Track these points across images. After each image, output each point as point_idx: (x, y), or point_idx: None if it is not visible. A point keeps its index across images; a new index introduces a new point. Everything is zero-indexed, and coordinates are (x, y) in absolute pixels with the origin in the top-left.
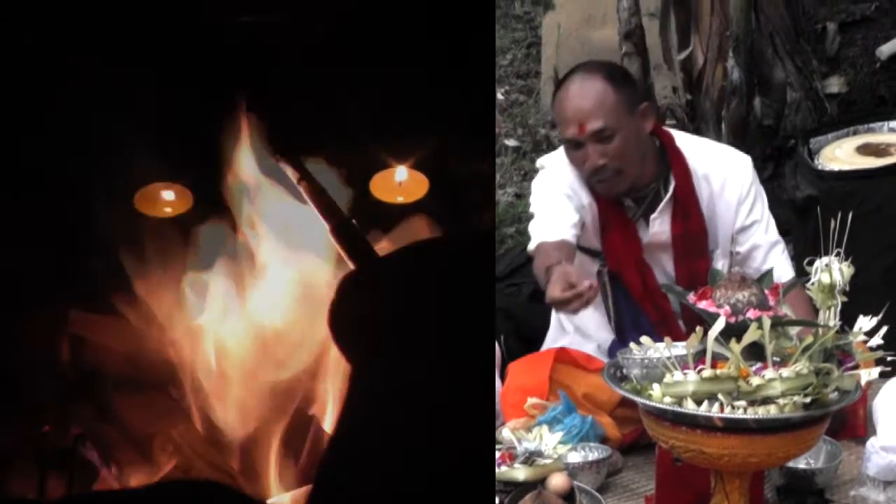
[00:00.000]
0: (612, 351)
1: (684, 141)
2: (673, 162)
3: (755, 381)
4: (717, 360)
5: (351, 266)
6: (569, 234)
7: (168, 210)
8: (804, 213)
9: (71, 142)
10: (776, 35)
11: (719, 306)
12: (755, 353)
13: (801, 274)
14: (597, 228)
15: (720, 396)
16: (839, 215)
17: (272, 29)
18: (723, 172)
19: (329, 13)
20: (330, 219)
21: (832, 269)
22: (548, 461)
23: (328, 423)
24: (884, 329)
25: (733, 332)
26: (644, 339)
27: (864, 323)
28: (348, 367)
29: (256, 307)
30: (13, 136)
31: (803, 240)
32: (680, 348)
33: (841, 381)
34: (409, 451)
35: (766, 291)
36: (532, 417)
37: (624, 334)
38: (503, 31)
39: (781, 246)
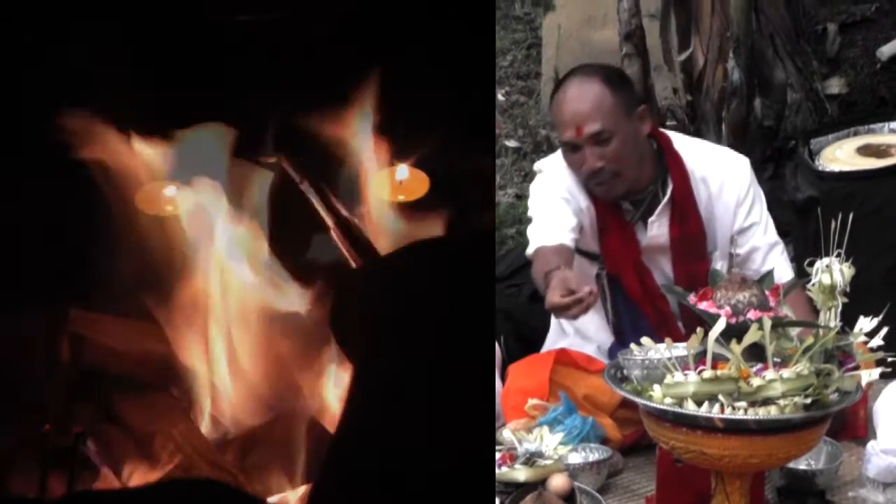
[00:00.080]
0: (612, 353)
1: (682, 143)
2: (670, 164)
3: (756, 381)
4: (718, 360)
5: (352, 265)
6: (567, 238)
7: (169, 208)
8: (805, 214)
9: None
10: (777, 36)
11: (720, 307)
12: (756, 353)
13: (802, 275)
14: (595, 231)
15: (721, 397)
16: (840, 216)
17: (272, 28)
18: (721, 174)
19: (330, 13)
20: (331, 217)
21: (833, 270)
22: (548, 462)
23: (328, 422)
24: (884, 330)
25: (734, 332)
26: (645, 340)
27: (865, 324)
28: (349, 366)
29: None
30: (13, 134)
31: (804, 241)
32: (680, 349)
33: (841, 382)
34: (409, 451)
35: (767, 292)
36: (533, 418)
37: (623, 337)
38: (503, 33)
39: (781, 247)
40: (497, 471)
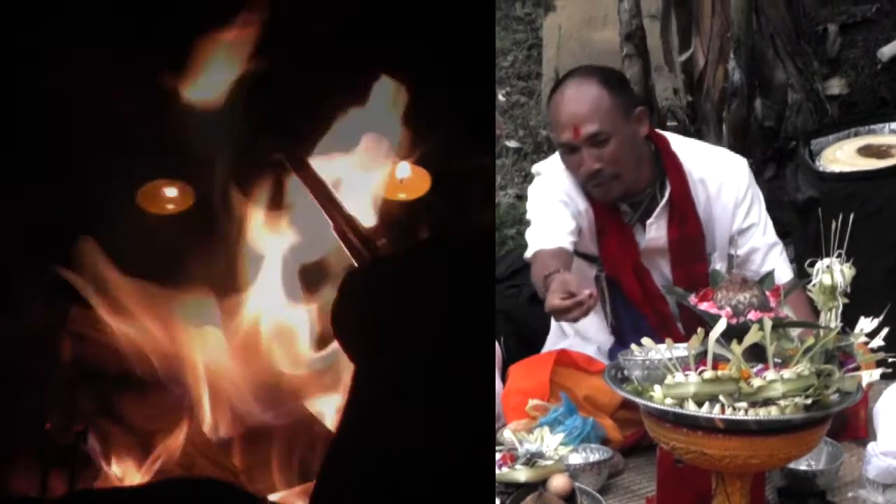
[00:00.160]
0: (612, 354)
1: (680, 145)
2: (668, 166)
3: (756, 382)
4: (719, 361)
5: (354, 264)
6: (566, 241)
7: (170, 207)
8: (805, 215)
9: (72, 140)
10: (777, 37)
11: (720, 308)
12: (756, 354)
13: (803, 275)
14: (593, 234)
15: (721, 398)
16: (840, 217)
17: (273, 26)
18: (719, 176)
19: (330, 13)
20: (333, 216)
21: (833, 271)
22: (549, 462)
23: (328, 420)
24: (885, 331)
25: (734, 333)
26: (645, 340)
27: (866, 324)
28: (350, 365)
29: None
30: (14, 131)
31: (804, 241)
32: (681, 350)
33: (842, 383)
34: (409, 451)
35: (768, 293)
36: (533, 419)
37: (623, 338)
38: (504, 33)
39: (780, 247)
40: (497, 471)
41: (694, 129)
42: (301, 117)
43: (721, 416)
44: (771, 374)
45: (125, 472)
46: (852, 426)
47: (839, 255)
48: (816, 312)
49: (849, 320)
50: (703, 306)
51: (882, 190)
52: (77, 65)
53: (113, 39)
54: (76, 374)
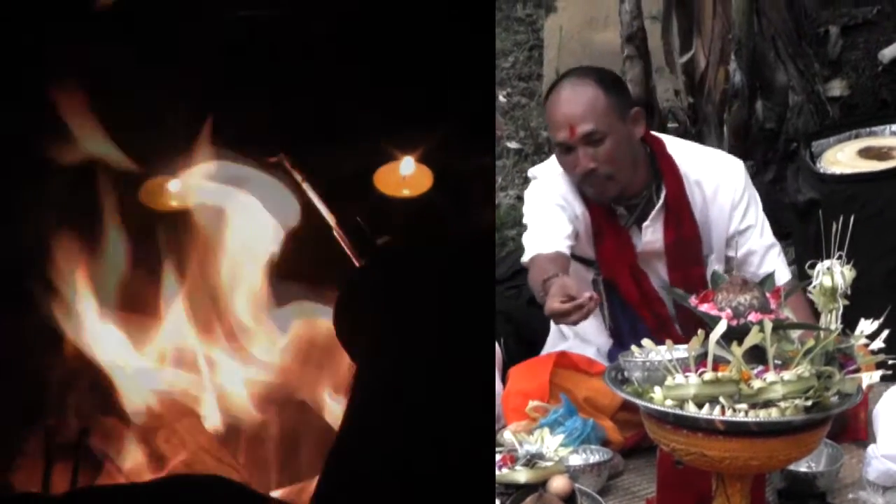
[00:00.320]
0: (611, 355)
1: (675, 147)
2: (664, 169)
3: (756, 384)
4: (719, 363)
5: (356, 263)
6: (563, 245)
7: (173, 203)
8: (806, 217)
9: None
10: (778, 38)
11: (721, 309)
12: (757, 356)
13: (803, 277)
14: (590, 237)
15: (721, 399)
16: (841, 219)
17: (273, 25)
18: (715, 178)
19: (330, 12)
20: (334, 216)
21: (834, 273)
22: (549, 464)
23: (329, 417)
24: (885, 332)
25: (735, 335)
26: (645, 341)
27: (866, 326)
28: (352, 365)
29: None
30: (14, 129)
31: (805, 243)
32: (681, 351)
33: (842, 385)
34: (409, 451)
35: (768, 295)
36: (533, 420)
37: (622, 340)
38: (505, 34)
39: (777, 249)
40: (497, 472)
41: (695, 130)
42: (301, 116)
43: (721, 418)
44: (771, 376)
45: (128, 469)
46: (852, 428)
47: (839, 257)
48: (816, 314)
49: (849, 322)
50: (704, 308)
51: (883, 192)
52: None
53: None
54: (79, 370)
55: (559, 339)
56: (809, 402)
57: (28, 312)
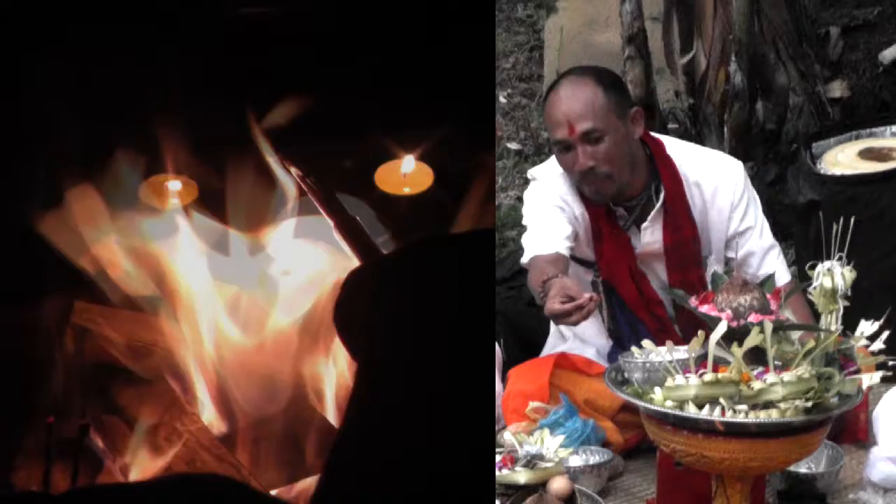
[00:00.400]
0: (611, 357)
1: (674, 148)
2: (662, 170)
3: (757, 385)
4: (719, 364)
5: (355, 263)
6: (562, 247)
7: (175, 201)
8: (806, 218)
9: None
10: (779, 39)
11: (721, 310)
12: (757, 357)
13: (804, 278)
14: (589, 239)
15: (722, 400)
16: (841, 220)
17: (274, 22)
18: (714, 179)
19: (330, 11)
20: (334, 215)
21: (834, 274)
22: (549, 465)
23: (330, 416)
24: (885, 334)
25: (735, 336)
26: (646, 343)
27: (866, 327)
28: (353, 364)
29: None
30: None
31: (805, 244)
32: (681, 352)
33: (842, 386)
34: (409, 452)
35: (768, 296)
36: (533, 421)
37: (621, 342)
38: (506, 35)
39: (777, 250)
40: (497, 473)
41: (695, 131)
42: (301, 116)
43: (721, 419)
44: (771, 377)
45: (128, 467)
46: (852, 429)
47: (840, 258)
48: (816, 315)
49: (849, 323)
50: (704, 309)
51: (883, 193)
52: None
53: None
54: (79, 367)
55: (559, 341)
56: (809, 404)
57: (29, 307)
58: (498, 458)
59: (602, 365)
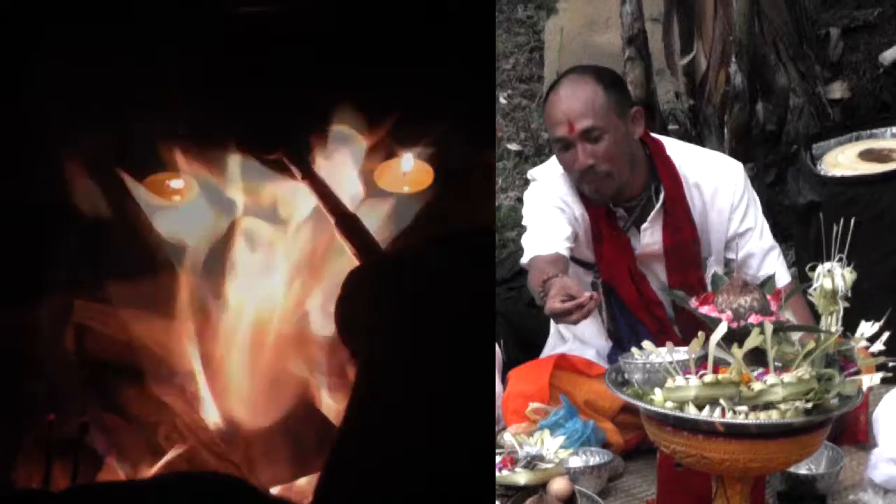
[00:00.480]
0: (610, 358)
1: (674, 149)
2: (662, 171)
3: (757, 386)
4: (719, 365)
5: (356, 262)
6: (562, 247)
7: (176, 199)
8: (806, 219)
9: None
10: (779, 40)
11: (721, 311)
12: (757, 358)
13: (804, 279)
14: (589, 240)
15: (722, 401)
16: (841, 221)
17: (274, 22)
18: (714, 180)
19: (330, 11)
20: (334, 215)
21: (834, 275)
22: (549, 465)
23: (331, 414)
24: (885, 335)
25: (735, 337)
26: (646, 343)
27: (866, 328)
28: (354, 364)
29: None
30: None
31: (805, 245)
32: (682, 353)
33: (842, 387)
34: (410, 453)
35: (768, 297)
36: (533, 423)
37: (621, 343)
38: (506, 36)
39: (777, 251)
40: (498, 474)
41: (695, 132)
42: (301, 116)
43: (721, 420)
44: (771, 378)
45: (129, 465)
46: (852, 430)
47: (840, 260)
48: (817, 316)
49: (849, 324)
50: (704, 310)
51: (883, 194)
52: None
53: None
54: (79, 366)
55: (559, 342)
56: (810, 405)
57: (29, 305)
58: (498, 458)
59: (602, 366)
